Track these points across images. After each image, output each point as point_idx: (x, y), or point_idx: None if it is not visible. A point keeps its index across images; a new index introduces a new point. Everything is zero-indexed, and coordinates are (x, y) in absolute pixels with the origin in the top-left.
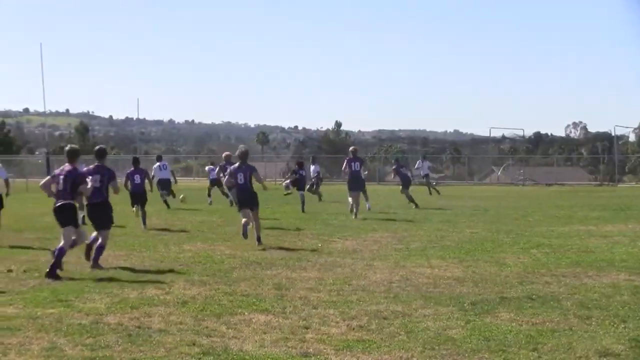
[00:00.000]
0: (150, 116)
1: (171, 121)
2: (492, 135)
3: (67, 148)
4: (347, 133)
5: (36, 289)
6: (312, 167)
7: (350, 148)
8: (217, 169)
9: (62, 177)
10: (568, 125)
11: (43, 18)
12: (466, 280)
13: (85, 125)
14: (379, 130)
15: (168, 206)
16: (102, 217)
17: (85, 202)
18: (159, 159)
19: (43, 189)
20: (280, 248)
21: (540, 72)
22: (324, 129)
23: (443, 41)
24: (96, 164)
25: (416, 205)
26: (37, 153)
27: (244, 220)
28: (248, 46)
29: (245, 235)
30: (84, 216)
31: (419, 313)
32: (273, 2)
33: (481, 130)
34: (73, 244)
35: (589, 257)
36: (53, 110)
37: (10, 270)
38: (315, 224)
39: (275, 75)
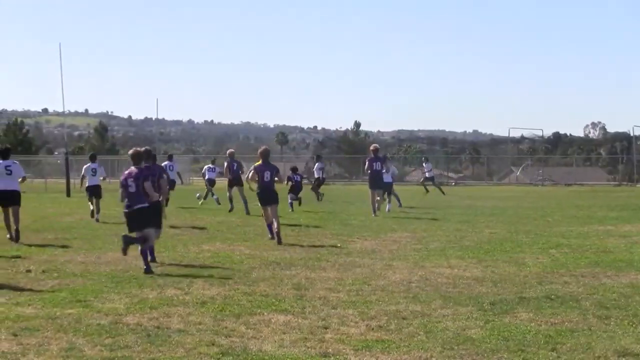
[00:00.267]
0: (169, 116)
1: (190, 121)
2: (511, 135)
3: (130, 152)
4: (366, 133)
5: (55, 289)
6: (317, 165)
7: (371, 147)
8: (225, 166)
9: (131, 179)
10: (587, 126)
11: (62, 18)
12: (485, 280)
13: (104, 126)
14: (398, 131)
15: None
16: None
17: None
18: (170, 158)
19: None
20: (300, 247)
21: (559, 72)
22: (343, 129)
23: (463, 42)
24: (145, 165)
25: (400, 204)
26: (56, 153)
27: (266, 218)
28: (268, 46)
29: (272, 235)
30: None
31: (438, 313)
32: (293, 2)
33: (500, 131)
34: (144, 240)
35: (607, 257)
36: (72, 111)
37: (29, 271)
38: (334, 224)
39: (294, 75)
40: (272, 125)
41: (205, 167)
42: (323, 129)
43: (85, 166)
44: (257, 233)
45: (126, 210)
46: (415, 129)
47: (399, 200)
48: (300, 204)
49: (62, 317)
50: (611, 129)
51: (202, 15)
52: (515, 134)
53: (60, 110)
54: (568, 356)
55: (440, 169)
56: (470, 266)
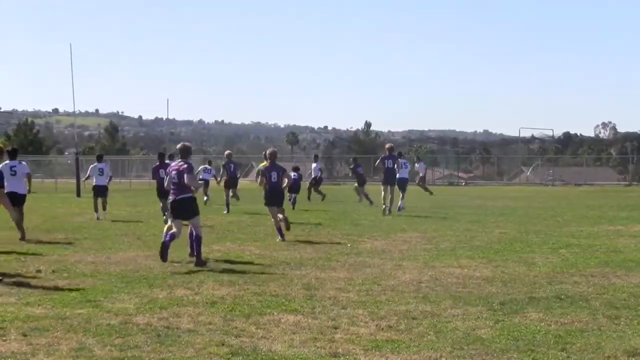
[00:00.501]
0: (180, 116)
1: (201, 121)
2: (521, 135)
3: (179, 145)
4: (376, 133)
5: (65, 289)
6: (314, 165)
7: (386, 145)
8: (222, 168)
9: (174, 171)
10: (597, 126)
11: (73, 18)
12: (495, 280)
13: (114, 126)
14: (409, 131)
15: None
16: (188, 210)
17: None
18: (171, 157)
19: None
20: (310, 247)
21: (570, 72)
22: (354, 129)
23: (474, 42)
24: (180, 160)
25: (371, 202)
26: (66, 153)
27: (274, 221)
28: (279, 46)
29: (282, 237)
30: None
31: (448, 313)
32: (305, 2)
33: (511, 131)
34: (173, 236)
35: (617, 257)
36: (82, 111)
37: (39, 271)
38: (344, 224)
39: (305, 75)
40: (282, 125)
41: (201, 167)
42: (334, 129)
43: (92, 165)
44: (267, 233)
45: (171, 199)
46: (426, 129)
47: (369, 199)
48: (309, 198)
49: (72, 317)
50: (622, 129)
51: (212, 15)
52: (526, 134)
53: (70, 110)
54: (578, 356)
55: (450, 169)
56: (480, 266)
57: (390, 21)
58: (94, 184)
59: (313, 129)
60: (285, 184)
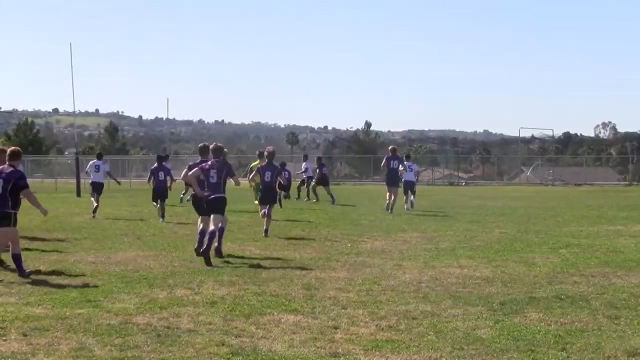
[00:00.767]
0: (179, 116)
1: (201, 121)
2: (521, 135)
3: (212, 146)
4: (376, 133)
5: (65, 289)
6: (303, 165)
7: (390, 147)
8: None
9: (213, 170)
10: (597, 126)
11: (73, 18)
12: (495, 280)
13: (114, 126)
14: (409, 131)
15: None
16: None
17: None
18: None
19: (186, 179)
20: (310, 247)
21: (570, 72)
22: (354, 129)
23: (474, 42)
24: (214, 159)
25: (317, 199)
26: (66, 153)
27: (261, 213)
28: (279, 46)
29: (266, 233)
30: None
31: (448, 313)
32: (304, 2)
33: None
34: (213, 234)
35: (617, 257)
36: (82, 111)
37: (38, 271)
38: (344, 224)
39: (305, 75)
40: (282, 125)
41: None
42: (334, 128)
43: (90, 162)
44: (271, 235)
45: (206, 195)
46: (426, 128)
47: (332, 198)
48: (299, 197)
49: (72, 317)
50: (622, 129)
51: (212, 15)
52: (526, 134)
53: (70, 110)
54: (578, 356)
55: (450, 168)
56: (480, 266)
57: (391, 21)
58: (91, 180)
59: (313, 128)
60: (281, 184)
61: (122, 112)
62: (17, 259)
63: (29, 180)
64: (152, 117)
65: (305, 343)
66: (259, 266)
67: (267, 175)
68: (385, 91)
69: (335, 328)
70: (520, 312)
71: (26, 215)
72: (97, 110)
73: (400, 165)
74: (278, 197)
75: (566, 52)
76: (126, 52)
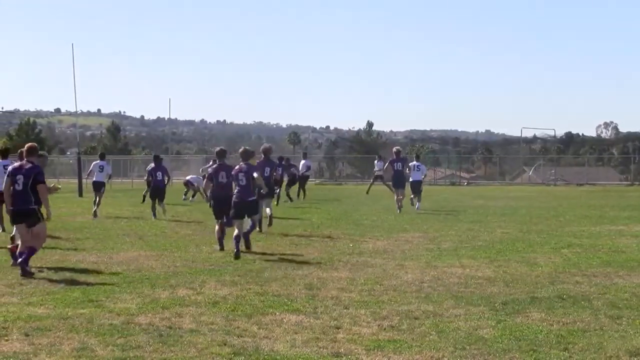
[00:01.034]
0: (181, 116)
1: (203, 121)
2: (523, 135)
3: (241, 150)
4: (378, 133)
5: (67, 289)
6: (302, 162)
7: (394, 149)
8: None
9: (242, 173)
10: (599, 125)
11: (75, 18)
12: (497, 280)
13: (116, 126)
14: (411, 131)
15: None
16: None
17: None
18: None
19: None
20: (312, 247)
21: (572, 72)
22: (356, 129)
23: (475, 42)
24: (219, 162)
25: (291, 200)
26: (68, 153)
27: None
28: (280, 46)
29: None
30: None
31: (450, 313)
32: (306, 2)
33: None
34: (253, 227)
35: (619, 257)
36: (84, 111)
37: (41, 271)
38: (346, 224)
39: (307, 75)
40: (284, 125)
41: (206, 166)
42: (335, 128)
43: (94, 162)
44: (268, 233)
45: (236, 200)
46: (428, 128)
47: (290, 198)
48: (298, 197)
49: (74, 317)
50: (623, 128)
51: (214, 15)
52: (528, 133)
53: (72, 110)
54: (580, 356)
55: (452, 168)
56: (482, 266)
57: (392, 21)
58: (93, 179)
59: (315, 128)
60: (276, 179)
61: (124, 112)
62: (30, 252)
63: None
64: (154, 117)
65: (307, 343)
66: (260, 266)
67: (267, 171)
68: (387, 91)
69: (337, 328)
70: (522, 312)
71: None
72: (99, 110)
73: (405, 167)
74: (276, 192)
75: (568, 52)
76: (128, 52)
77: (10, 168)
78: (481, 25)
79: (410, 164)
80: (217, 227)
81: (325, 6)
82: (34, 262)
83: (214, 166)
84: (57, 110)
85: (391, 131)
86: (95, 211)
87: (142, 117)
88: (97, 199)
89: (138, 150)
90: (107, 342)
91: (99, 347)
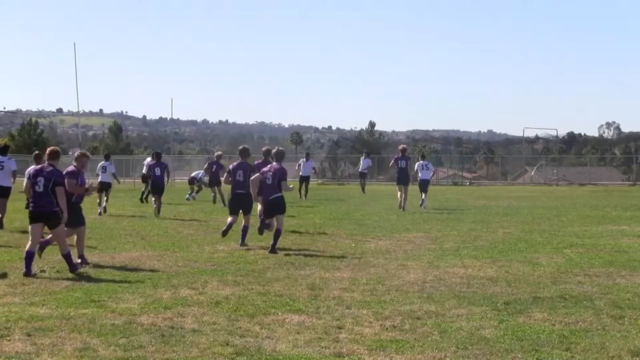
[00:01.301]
0: (184, 116)
1: (205, 121)
2: (525, 135)
3: (274, 151)
4: (381, 133)
5: (69, 289)
6: (305, 162)
7: (400, 147)
8: (206, 166)
9: (270, 173)
10: (601, 126)
11: (77, 18)
12: (499, 280)
13: (119, 126)
14: (413, 131)
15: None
16: (245, 204)
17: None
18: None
19: (253, 184)
20: (314, 247)
21: (574, 72)
22: (358, 129)
23: (478, 42)
24: (240, 161)
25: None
26: (70, 153)
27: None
28: (282, 46)
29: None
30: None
31: (452, 313)
32: (308, 3)
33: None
34: (269, 226)
35: (622, 257)
36: (87, 111)
37: (43, 271)
38: (348, 224)
39: (309, 75)
40: (286, 125)
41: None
42: (338, 128)
43: (99, 164)
44: (270, 233)
45: (262, 200)
46: (430, 128)
47: (214, 198)
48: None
49: (76, 317)
50: (625, 128)
51: (217, 15)
52: (530, 134)
53: (74, 110)
54: (582, 356)
55: (454, 168)
56: (485, 266)
57: (394, 21)
58: (99, 180)
59: (317, 128)
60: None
61: (126, 112)
62: (42, 245)
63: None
64: (156, 117)
65: (309, 343)
66: (263, 266)
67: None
68: (389, 91)
69: (340, 328)
70: (525, 312)
71: None
72: (101, 110)
73: (409, 165)
74: None
75: (570, 52)
76: (130, 52)
77: (31, 170)
78: (484, 25)
79: (417, 163)
80: (229, 219)
81: (327, 6)
82: (36, 262)
83: (234, 163)
84: (60, 110)
85: (393, 131)
86: (105, 207)
87: (145, 117)
88: (105, 197)
89: (140, 150)
90: (109, 342)
91: (101, 347)
